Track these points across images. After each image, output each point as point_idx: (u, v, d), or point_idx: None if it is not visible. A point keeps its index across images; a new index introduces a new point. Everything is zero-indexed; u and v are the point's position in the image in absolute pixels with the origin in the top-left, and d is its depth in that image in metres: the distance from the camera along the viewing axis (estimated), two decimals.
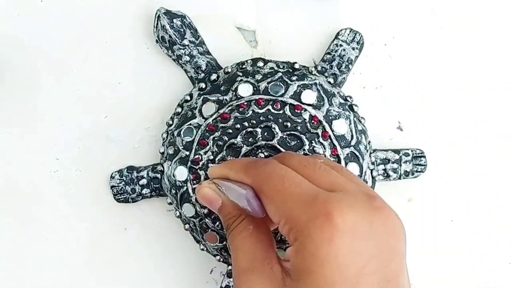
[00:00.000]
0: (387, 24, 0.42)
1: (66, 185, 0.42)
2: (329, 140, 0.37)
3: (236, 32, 0.42)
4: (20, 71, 0.42)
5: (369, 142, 0.40)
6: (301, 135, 0.37)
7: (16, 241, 0.42)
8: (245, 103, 0.37)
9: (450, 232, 0.42)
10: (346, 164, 0.37)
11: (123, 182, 0.40)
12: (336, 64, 0.40)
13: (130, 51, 0.41)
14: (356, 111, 0.39)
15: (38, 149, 0.42)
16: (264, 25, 0.42)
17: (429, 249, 0.41)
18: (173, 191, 0.39)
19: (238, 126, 0.37)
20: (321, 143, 0.37)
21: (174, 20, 0.39)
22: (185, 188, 0.38)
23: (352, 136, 0.38)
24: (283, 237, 0.38)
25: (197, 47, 0.40)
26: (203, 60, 0.40)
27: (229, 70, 0.39)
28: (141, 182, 0.40)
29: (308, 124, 0.37)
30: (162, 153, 0.40)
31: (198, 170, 0.38)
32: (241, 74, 0.38)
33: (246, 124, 0.37)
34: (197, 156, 0.38)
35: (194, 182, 0.38)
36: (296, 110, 0.37)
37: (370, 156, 0.39)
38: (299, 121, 0.37)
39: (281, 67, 0.39)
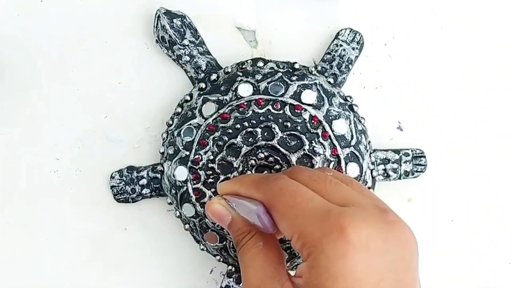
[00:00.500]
0: (387, 24, 0.42)
1: (66, 185, 0.42)
2: (329, 140, 0.37)
3: (236, 32, 0.42)
4: (20, 71, 0.42)
5: (369, 142, 0.40)
6: (301, 135, 0.37)
7: (16, 241, 0.42)
8: (245, 103, 0.37)
9: (450, 232, 0.42)
10: (346, 164, 0.37)
11: (123, 182, 0.40)
12: (336, 64, 0.40)
13: (130, 51, 0.41)
14: (356, 111, 0.39)
15: (38, 149, 0.42)
16: (264, 25, 0.42)
17: (429, 249, 0.41)
18: (173, 191, 0.39)
19: (238, 126, 0.37)
20: (321, 143, 0.37)
21: (174, 20, 0.39)
22: (185, 188, 0.38)
23: (352, 136, 0.38)
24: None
25: (197, 47, 0.40)
26: (203, 60, 0.40)
27: (229, 70, 0.39)
28: (141, 182, 0.40)
29: (308, 124, 0.37)
30: (162, 153, 0.40)
31: (198, 170, 0.38)
32: (241, 74, 0.38)
33: (246, 124, 0.37)
34: (197, 156, 0.38)
35: (194, 182, 0.38)
36: (296, 110, 0.37)
37: (370, 156, 0.39)
38: (299, 121, 0.37)
39: (281, 67, 0.39)
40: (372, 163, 0.39)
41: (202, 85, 0.39)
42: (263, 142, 0.37)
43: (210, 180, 0.37)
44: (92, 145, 0.42)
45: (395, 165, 0.40)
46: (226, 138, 0.37)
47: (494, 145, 0.42)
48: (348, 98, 0.39)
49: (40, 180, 0.42)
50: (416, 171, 0.40)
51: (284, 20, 0.42)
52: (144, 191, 0.40)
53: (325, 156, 0.37)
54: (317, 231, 0.27)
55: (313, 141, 0.37)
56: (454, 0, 0.42)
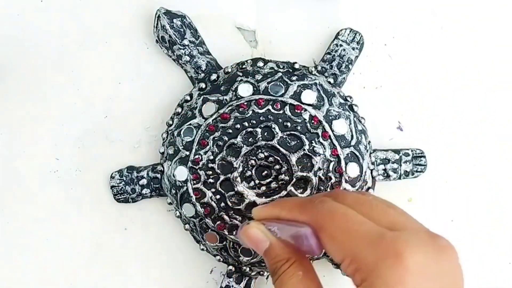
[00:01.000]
0: (387, 24, 0.42)
1: (66, 185, 0.42)
2: (329, 140, 0.37)
3: (236, 32, 0.42)
4: (20, 71, 0.42)
5: (369, 142, 0.40)
6: (301, 135, 0.37)
7: (16, 241, 0.42)
8: (245, 103, 0.37)
9: (450, 232, 0.42)
10: (346, 164, 0.37)
11: (123, 182, 0.40)
12: (336, 64, 0.40)
13: (130, 51, 0.41)
14: (356, 111, 0.39)
15: (38, 149, 0.42)
16: (264, 25, 0.42)
17: None
18: (173, 191, 0.39)
19: (238, 126, 0.37)
20: (321, 143, 0.37)
21: (174, 20, 0.39)
22: (185, 188, 0.38)
23: (352, 136, 0.38)
24: None
25: (197, 47, 0.40)
26: (203, 60, 0.40)
27: (229, 70, 0.39)
28: (141, 182, 0.40)
29: (308, 124, 0.37)
30: (162, 153, 0.40)
31: (198, 170, 0.38)
32: (241, 74, 0.38)
33: (246, 124, 0.37)
34: (197, 156, 0.38)
35: (194, 182, 0.38)
36: (296, 110, 0.37)
37: (370, 156, 0.39)
38: (299, 121, 0.37)
39: (281, 67, 0.39)
40: (372, 163, 0.39)
41: (202, 85, 0.39)
42: (263, 142, 0.37)
43: (210, 180, 0.37)
44: (92, 145, 0.42)
45: (395, 165, 0.40)
46: (226, 138, 0.37)
47: (494, 145, 0.42)
48: (348, 98, 0.39)
49: (40, 180, 0.42)
50: (416, 171, 0.40)
51: (284, 20, 0.42)
52: (144, 191, 0.40)
53: (325, 156, 0.37)
54: (371, 256, 0.26)
55: (313, 141, 0.37)
56: (454, 0, 0.42)
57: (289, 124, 0.37)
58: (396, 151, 0.40)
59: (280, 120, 0.37)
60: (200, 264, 0.42)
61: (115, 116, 0.42)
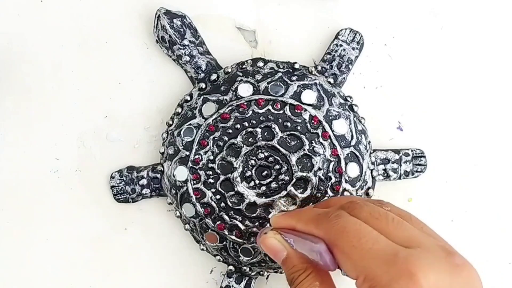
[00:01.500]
0: (387, 24, 0.42)
1: (66, 185, 0.42)
2: (329, 140, 0.37)
3: (236, 32, 0.42)
4: (20, 71, 0.42)
5: (369, 142, 0.40)
6: (301, 135, 0.37)
7: (16, 241, 0.42)
8: (245, 103, 0.37)
9: (450, 232, 0.42)
10: (346, 164, 0.37)
11: (123, 182, 0.40)
12: (336, 64, 0.40)
13: (130, 51, 0.41)
14: (356, 111, 0.39)
15: (38, 149, 0.42)
16: (264, 25, 0.42)
17: None
18: (173, 191, 0.39)
19: (238, 126, 0.37)
20: (321, 143, 0.37)
21: (174, 20, 0.39)
22: (185, 188, 0.38)
23: (352, 136, 0.38)
24: None
25: (197, 47, 0.40)
26: (203, 60, 0.40)
27: (229, 70, 0.39)
28: (141, 182, 0.40)
29: (308, 124, 0.37)
30: (162, 153, 0.40)
31: (198, 170, 0.38)
32: (241, 74, 0.38)
33: (246, 124, 0.37)
34: (197, 156, 0.38)
35: (194, 182, 0.38)
36: (296, 110, 0.37)
37: (370, 156, 0.39)
38: (299, 121, 0.37)
39: (281, 67, 0.39)
40: (372, 163, 0.39)
41: (202, 85, 0.39)
42: (263, 142, 0.37)
43: (210, 180, 0.37)
44: (92, 145, 0.42)
45: (395, 165, 0.40)
46: (226, 138, 0.37)
47: (494, 145, 0.42)
48: (348, 98, 0.39)
49: (40, 180, 0.42)
50: (416, 171, 0.40)
51: (284, 20, 0.42)
52: (144, 191, 0.40)
53: (325, 156, 0.37)
54: (385, 275, 0.26)
55: (313, 141, 0.37)
56: (454, 0, 0.42)
57: (289, 124, 0.37)
58: (396, 151, 0.40)
59: (280, 120, 0.37)
60: (200, 264, 0.42)
61: (115, 116, 0.42)
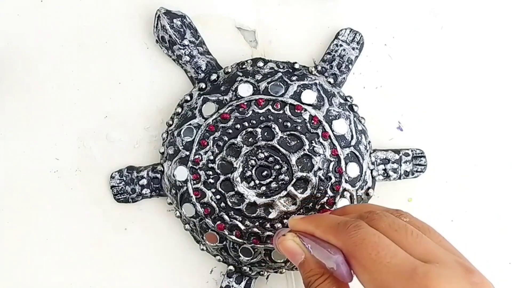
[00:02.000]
0: (387, 24, 0.42)
1: (66, 185, 0.42)
2: (329, 140, 0.37)
3: (236, 32, 0.42)
4: (20, 71, 0.42)
5: (369, 142, 0.40)
6: (301, 135, 0.37)
7: (16, 241, 0.42)
8: (245, 103, 0.37)
9: (450, 232, 0.42)
10: (346, 164, 0.37)
11: (123, 182, 0.40)
12: (336, 64, 0.40)
13: (130, 51, 0.41)
14: (356, 111, 0.39)
15: (38, 149, 0.42)
16: (264, 25, 0.42)
17: None
18: (173, 191, 0.39)
19: (238, 126, 0.37)
20: (321, 143, 0.37)
21: (174, 20, 0.39)
22: (185, 188, 0.38)
23: (352, 136, 0.38)
24: None
25: (197, 47, 0.40)
26: (203, 60, 0.40)
27: (229, 70, 0.39)
28: (141, 182, 0.40)
29: (308, 124, 0.37)
30: (162, 153, 0.40)
31: (198, 170, 0.38)
32: (241, 74, 0.38)
33: (246, 124, 0.37)
34: (197, 156, 0.38)
35: (194, 182, 0.38)
36: (296, 110, 0.37)
37: (370, 156, 0.39)
38: (299, 121, 0.37)
39: (281, 67, 0.39)
40: (372, 163, 0.39)
41: (202, 85, 0.39)
42: (263, 142, 0.37)
43: (210, 180, 0.37)
44: (92, 145, 0.42)
45: (395, 165, 0.40)
46: (226, 138, 0.37)
47: (494, 145, 0.42)
48: (348, 98, 0.39)
49: (40, 180, 0.42)
50: (416, 171, 0.40)
51: (284, 20, 0.42)
52: (144, 191, 0.40)
53: (325, 156, 0.37)
54: None
55: (313, 141, 0.37)
56: (454, 0, 0.42)
57: (289, 124, 0.37)
58: (396, 151, 0.40)
59: (280, 120, 0.37)
60: (200, 264, 0.42)
61: (115, 116, 0.42)
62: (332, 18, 0.41)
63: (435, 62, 0.42)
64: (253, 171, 0.37)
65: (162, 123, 0.41)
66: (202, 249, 0.40)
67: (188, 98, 0.39)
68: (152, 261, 0.42)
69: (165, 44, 0.40)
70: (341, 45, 0.40)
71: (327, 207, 0.37)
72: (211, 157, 0.37)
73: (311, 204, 0.37)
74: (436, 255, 0.27)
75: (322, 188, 0.37)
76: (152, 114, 0.41)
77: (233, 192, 0.37)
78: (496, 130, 0.42)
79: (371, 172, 0.39)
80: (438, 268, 0.26)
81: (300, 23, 0.42)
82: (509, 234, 0.42)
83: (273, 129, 0.37)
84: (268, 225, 0.37)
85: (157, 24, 0.40)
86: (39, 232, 0.42)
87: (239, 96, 0.37)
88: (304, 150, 0.37)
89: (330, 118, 0.38)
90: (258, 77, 0.38)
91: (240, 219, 0.37)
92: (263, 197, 0.37)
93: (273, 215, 0.37)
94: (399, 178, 0.40)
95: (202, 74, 0.40)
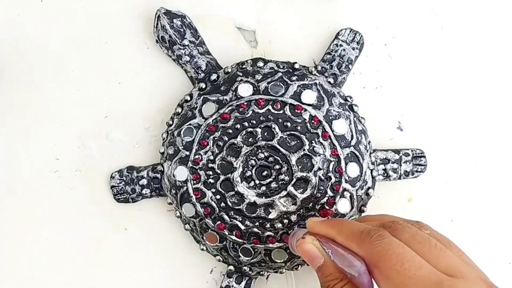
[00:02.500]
0: (387, 24, 0.42)
1: (66, 185, 0.42)
2: (329, 140, 0.37)
3: (236, 32, 0.42)
4: (20, 71, 0.42)
5: (369, 142, 0.40)
6: (301, 135, 0.37)
7: (16, 241, 0.42)
8: (245, 103, 0.37)
9: (450, 232, 0.42)
10: (346, 164, 0.37)
11: (123, 182, 0.40)
12: (336, 64, 0.40)
13: (130, 51, 0.41)
14: (356, 111, 0.39)
15: (38, 149, 0.42)
16: (264, 25, 0.42)
17: None
18: (173, 191, 0.39)
19: (238, 126, 0.37)
20: (321, 143, 0.37)
21: (174, 20, 0.39)
22: (185, 188, 0.38)
23: (352, 136, 0.38)
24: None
25: (197, 47, 0.40)
26: (203, 60, 0.40)
27: (229, 70, 0.39)
28: (141, 182, 0.40)
29: (308, 124, 0.37)
30: (162, 153, 0.40)
31: (198, 170, 0.38)
32: (241, 74, 0.38)
33: (246, 124, 0.37)
34: (197, 156, 0.38)
35: (194, 182, 0.38)
36: (296, 110, 0.37)
37: (370, 156, 0.39)
38: (299, 121, 0.37)
39: (281, 67, 0.39)
40: (372, 163, 0.39)
41: (202, 85, 0.39)
42: (263, 142, 0.37)
43: (210, 180, 0.37)
44: (92, 145, 0.42)
45: (395, 165, 0.40)
46: (226, 138, 0.37)
47: (494, 145, 0.42)
48: (348, 98, 0.39)
49: (40, 180, 0.42)
50: (416, 171, 0.40)
51: (284, 20, 0.42)
52: (144, 191, 0.40)
53: (325, 156, 0.37)
54: None
55: (313, 141, 0.37)
56: (454, 0, 0.42)
57: (289, 124, 0.37)
58: (396, 151, 0.40)
59: (280, 120, 0.37)
60: (200, 264, 0.42)
61: (115, 116, 0.42)
62: (332, 18, 0.41)
63: (435, 62, 0.42)
64: (253, 171, 0.37)
65: (162, 123, 0.41)
66: (202, 249, 0.40)
67: (188, 98, 0.39)
68: (152, 261, 0.42)
69: (165, 44, 0.40)
70: (341, 45, 0.40)
71: (327, 207, 0.37)
72: (211, 157, 0.37)
73: (311, 204, 0.37)
74: (460, 270, 0.27)
75: (322, 188, 0.37)
76: (152, 114, 0.41)
77: (233, 192, 0.37)
78: (496, 130, 0.42)
79: (371, 172, 0.39)
80: (463, 283, 0.26)
81: (300, 23, 0.42)
82: (509, 234, 0.42)
83: (273, 129, 0.37)
84: (268, 225, 0.37)
85: (157, 24, 0.40)
86: (39, 232, 0.42)
87: (239, 96, 0.37)
88: (304, 150, 0.37)
89: (330, 118, 0.38)
90: (258, 77, 0.38)
91: (240, 219, 0.37)
92: (263, 197, 0.37)
93: (273, 215, 0.37)
94: (399, 178, 0.40)
95: (202, 74, 0.40)
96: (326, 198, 0.37)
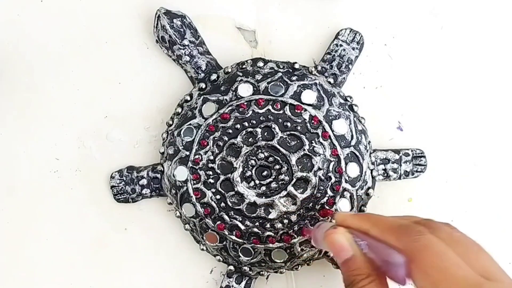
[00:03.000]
0: (387, 24, 0.42)
1: (66, 185, 0.42)
2: (329, 140, 0.37)
3: (236, 32, 0.42)
4: (20, 71, 0.42)
5: (369, 142, 0.40)
6: (301, 135, 0.37)
7: (16, 241, 0.42)
8: (245, 103, 0.37)
9: None
10: (346, 164, 0.37)
11: (123, 182, 0.40)
12: (336, 64, 0.40)
13: (130, 51, 0.41)
14: (356, 111, 0.39)
15: (38, 149, 0.42)
16: (264, 25, 0.42)
17: None
18: (173, 191, 0.39)
19: (238, 126, 0.37)
20: (321, 143, 0.37)
21: (174, 20, 0.39)
22: (185, 188, 0.38)
23: (352, 136, 0.38)
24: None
25: (197, 47, 0.40)
26: (203, 60, 0.40)
27: (229, 70, 0.39)
28: (141, 182, 0.40)
29: (308, 124, 0.37)
30: (162, 153, 0.40)
31: (198, 170, 0.38)
32: (241, 74, 0.38)
33: (246, 124, 0.37)
34: (197, 156, 0.38)
35: (194, 182, 0.38)
36: (296, 110, 0.37)
37: (370, 156, 0.39)
38: (299, 121, 0.37)
39: (281, 67, 0.39)
40: (372, 163, 0.39)
41: (202, 85, 0.39)
42: (263, 142, 0.37)
43: (210, 180, 0.37)
44: (92, 145, 0.42)
45: (395, 165, 0.40)
46: (226, 138, 0.37)
47: (494, 145, 0.42)
48: (348, 98, 0.39)
49: (40, 180, 0.42)
50: (416, 171, 0.40)
51: (284, 20, 0.42)
52: (144, 191, 0.40)
53: (325, 156, 0.37)
54: None
55: (313, 141, 0.37)
56: (454, 0, 0.42)
57: (289, 124, 0.37)
58: (396, 151, 0.40)
59: (280, 120, 0.37)
60: (200, 264, 0.42)
61: (115, 116, 0.42)
62: (332, 18, 0.41)
63: (435, 62, 0.42)
64: (253, 171, 0.37)
65: (162, 123, 0.41)
66: (202, 249, 0.40)
67: (188, 98, 0.39)
68: (152, 261, 0.42)
69: (165, 44, 0.40)
70: (341, 45, 0.40)
71: (327, 207, 0.37)
72: (211, 157, 0.37)
73: (311, 204, 0.37)
74: (495, 274, 0.28)
75: (322, 188, 0.37)
76: (152, 114, 0.41)
77: (233, 192, 0.37)
78: (496, 130, 0.42)
79: (371, 172, 0.39)
80: (501, 287, 0.26)
81: (300, 23, 0.42)
82: (509, 234, 0.42)
83: (273, 129, 0.37)
84: (268, 225, 0.37)
85: (157, 24, 0.40)
86: (39, 232, 0.42)
87: (239, 96, 0.37)
88: (304, 150, 0.37)
89: (330, 118, 0.38)
90: (258, 77, 0.38)
91: (240, 219, 0.37)
92: (263, 197, 0.37)
93: (273, 215, 0.37)
94: (399, 178, 0.40)
95: (202, 74, 0.40)
96: (326, 198, 0.37)
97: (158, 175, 0.40)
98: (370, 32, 0.41)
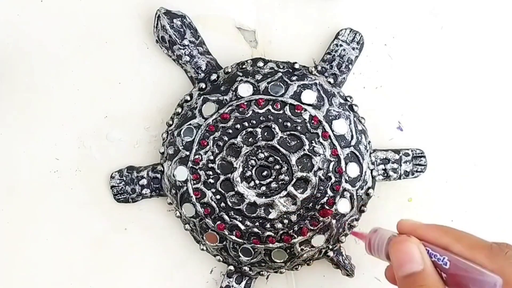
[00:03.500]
0: (387, 24, 0.42)
1: (66, 185, 0.42)
2: (329, 140, 0.37)
3: (236, 32, 0.42)
4: (20, 71, 0.42)
5: (369, 142, 0.40)
6: (301, 135, 0.37)
7: (16, 241, 0.42)
8: (245, 103, 0.37)
9: None
10: (346, 164, 0.37)
11: (123, 182, 0.40)
12: (336, 64, 0.40)
13: (130, 51, 0.41)
14: (356, 111, 0.39)
15: (38, 149, 0.42)
16: (264, 25, 0.42)
17: None
18: (173, 191, 0.39)
19: (238, 126, 0.37)
20: (321, 143, 0.37)
21: (174, 20, 0.39)
22: (185, 188, 0.38)
23: (352, 136, 0.38)
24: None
25: (197, 47, 0.40)
26: (203, 60, 0.40)
27: (229, 70, 0.39)
28: (141, 182, 0.40)
29: (308, 124, 0.37)
30: (162, 153, 0.40)
31: (198, 170, 0.38)
32: (241, 74, 0.38)
33: (246, 124, 0.37)
34: (197, 156, 0.38)
35: (194, 182, 0.38)
36: (296, 110, 0.37)
37: (370, 156, 0.39)
38: (299, 121, 0.37)
39: (281, 67, 0.39)
40: (372, 163, 0.39)
41: (202, 85, 0.39)
42: (263, 142, 0.37)
43: (210, 180, 0.37)
44: (92, 145, 0.42)
45: (395, 165, 0.40)
46: (226, 138, 0.37)
47: (494, 145, 0.42)
48: (348, 98, 0.39)
49: (40, 180, 0.42)
50: (416, 171, 0.40)
51: (284, 20, 0.42)
52: (144, 191, 0.40)
53: (325, 156, 0.37)
54: None
55: (313, 141, 0.37)
56: (454, 0, 0.42)
57: (289, 124, 0.37)
58: (396, 151, 0.40)
59: (280, 120, 0.37)
60: (200, 264, 0.42)
61: (115, 116, 0.42)
62: (332, 18, 0.41)
63: (435, 62, 0.42)
64: (253, 171, 0.37)
65: (162, 123, 0.41)
66: (202, 249, 0.40)
67: (188, 98, 0.39)
68: (152, 261, 0.42)
69: (165, 44, 0.40)
70: (341, 45, 0.40)
71: (327, 207, 0.37)
72: (211, 157, 0.37)
73: (311, 204, 0.37)
74: None
75: (322, 188, 0.37)
76: (152, 114, 0.41)
77: (233, 192, 0.37)
78: (496, 130, 0.42)
79: (371, 172, 0.39)
80: None
81: (300, 23, 0.42)
82: (509, 234, 0.42)
83: (273, 129, 0.37)
84: (268, 225, 0.37)
85: (157, 24, 0.40)
86: (39, 232, 0.42)
87: (239, 96, 0.37)
88: (304, 150, 0.37)
89: (330, 118, 0.38)
90: (258, 77, 0.38)
91: (240, 219, 0.37)
92: (263, 197, 0.37)
93: (273, 215, 0.37)
94: (399, 178, 0.40)
95: (202, 74, 0.40)
96: (326, 198, 0.37)
97: (158, 175, 0.40)
98: (370, 32, 0.41)
